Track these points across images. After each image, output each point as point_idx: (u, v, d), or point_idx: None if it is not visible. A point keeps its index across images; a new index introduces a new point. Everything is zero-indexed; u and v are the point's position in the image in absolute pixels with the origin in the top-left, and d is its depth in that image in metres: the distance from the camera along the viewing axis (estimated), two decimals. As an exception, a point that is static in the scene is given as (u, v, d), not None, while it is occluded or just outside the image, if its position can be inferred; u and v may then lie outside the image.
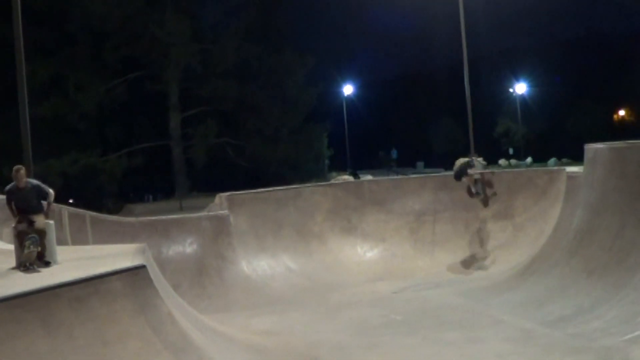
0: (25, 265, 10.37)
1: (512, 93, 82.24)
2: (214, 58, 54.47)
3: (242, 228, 22.20)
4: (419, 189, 24.63)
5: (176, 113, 55.80)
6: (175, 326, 9.50)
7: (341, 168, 69.11)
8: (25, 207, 11.21)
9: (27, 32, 22.82)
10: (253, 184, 36.70)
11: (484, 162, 22.52)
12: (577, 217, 16.23)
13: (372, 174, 51.88)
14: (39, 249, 10.62)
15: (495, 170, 26.27)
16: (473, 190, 21.35)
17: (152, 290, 9.48)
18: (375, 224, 23.89)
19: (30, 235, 10.61)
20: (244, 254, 21.54)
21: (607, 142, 16.22)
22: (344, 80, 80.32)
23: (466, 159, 21.84)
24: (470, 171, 21.12)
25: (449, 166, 53.60)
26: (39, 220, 10.99)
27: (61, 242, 13.96)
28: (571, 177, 19.27)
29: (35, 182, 11.69)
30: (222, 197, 23.08)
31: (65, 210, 18.59)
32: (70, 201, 42.85)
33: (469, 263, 20.76)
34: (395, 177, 37.88)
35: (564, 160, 57.69)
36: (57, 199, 12.51)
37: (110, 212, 38.82)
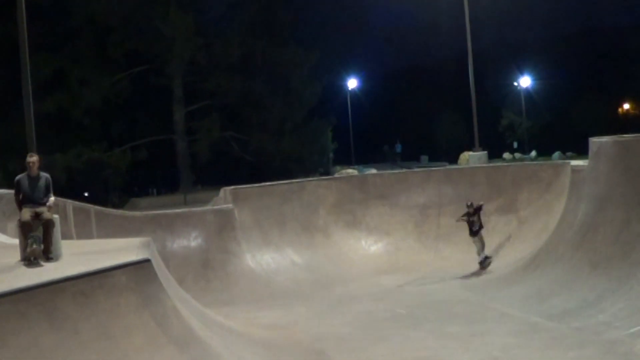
0: (29, 259, 10.35)
1: (516, 86, 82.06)
2: (218, 52, 54.42)
3: (247, 222, 22.23)
4: (424, 183, 24.65)
5: (180, 107, 55.81)
6: (180, 320, 9.51)
7: (345, 162, 69.12)
8: (33, 198, 11.09)
9: (30, 27, 22.89)
10: (257, 178, 36.72)
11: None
12: (582, 210, 16.20)
13: (376, 168, 51.89)
14: (42, 247, 10.58)
15: (500, 164, 26.22)
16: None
17: (156, 284, 9.48)
18: (379, 218, 23.91)
19: (32, 234, 10.55)
20: (248, 247, 21.57)
21: (612, 136, 16.19)
22: (348, 74, 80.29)
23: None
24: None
25: (453, 160, 53.77)
26: (46, 212, 10.92)
27: (66, 236, 13.95)
28: (576, 170, 19.23)
29: (47, 174, 11.60)
30: (226, 191, 23.10)
31: (70, 204, 18.59)
32: (86, 194, 43.09)
33: (473, 257, 20.73)
34: (400, 170, 37.83)
35: (569, 153, 57.55)
36: (62, 194, 12.50)
37: (114, 206, 38.88)
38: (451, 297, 17.25)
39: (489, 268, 19.87)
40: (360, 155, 77.19)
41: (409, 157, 76.24)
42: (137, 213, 22.88)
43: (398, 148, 78.54)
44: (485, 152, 34.50)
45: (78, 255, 10.74)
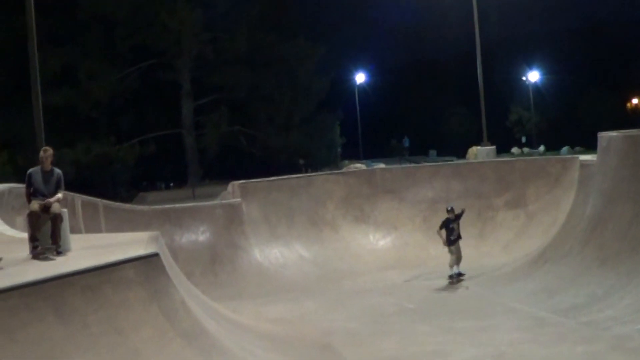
0: (38, 257, 10.34)
1: (524, 81, 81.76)
2: (226, 46, 54.43)
3: (255, 216, 22.26)
4: (432, 177, 24.63)
5: (188, 101, 55.87)
6: (188, 314, 9.52)
7: (354, 156, 69.06)
8: (44, 191, 11.09)
9: (38, 22, 22.98)
10: (265, 172, 36.75)
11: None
12: (590, 205, 16.16)
13: (385, 163, 51.80)
14: (50, 242, 10.58)
15: (508, 158, 26.14)
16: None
17: (165, 278, 9.49)
18: (387, 212, 23.90)
19: (37, 242, 10.49)
20: (256, 242, 21.61)
21: (621, 130, 16.13)
22: (356, 68, 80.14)
23: None
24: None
25: (461, 154, 53.66)
26: (55, 206, 10.92)
27: (74, 230, 14.00)
28: (584, 165, 19.17)
29: (59, 170, 11.59)
30: (234, 185, 23.14)
31: (79, 198, 18.64)
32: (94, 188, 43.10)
33: (481, 251, 20.71)
34: (408, 165, 37.81)
35: (577, 148, 57.38)
36: (70, 188, 12.51)
37: (123, 200, 38.91)
38: (459, 291, 17.27)
39: (495, 264, 19.61)
40: (368, 150, 77.09)
41: (417, 152, 76.03)
42: (145, 207, 22.92)
43: (406, 142, 78.28)
44: (494, 146, 34.46)
45: (87, 249, 10.76)
